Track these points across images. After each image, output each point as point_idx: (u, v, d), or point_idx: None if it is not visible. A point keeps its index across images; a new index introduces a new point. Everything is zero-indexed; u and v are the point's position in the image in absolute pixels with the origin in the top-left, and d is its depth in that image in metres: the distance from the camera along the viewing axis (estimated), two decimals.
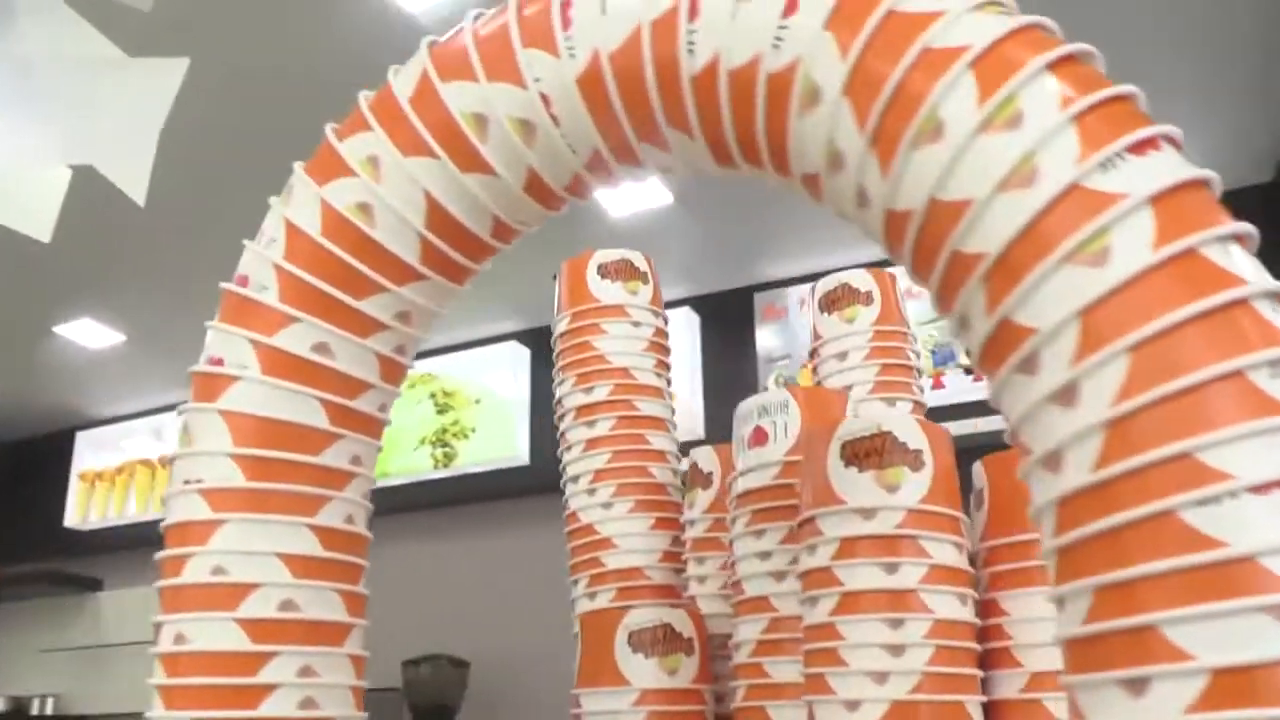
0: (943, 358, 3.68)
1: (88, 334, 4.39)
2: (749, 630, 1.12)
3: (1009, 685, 1.02)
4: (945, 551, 0.99)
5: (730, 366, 4.07)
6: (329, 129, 0.83)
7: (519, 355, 4.41)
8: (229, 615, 0.78)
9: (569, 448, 1.39)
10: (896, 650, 0.96)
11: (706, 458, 1.35)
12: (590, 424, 1.36)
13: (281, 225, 0.81)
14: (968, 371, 3.63)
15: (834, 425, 1.03)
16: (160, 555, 0.81)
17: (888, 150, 0.64)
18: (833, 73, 0.65)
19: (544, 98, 0.76)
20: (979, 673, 0.99)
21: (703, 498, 1.33)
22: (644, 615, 1.16)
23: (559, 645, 4.46)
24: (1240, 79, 2.98)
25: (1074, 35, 0.63)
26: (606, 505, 1.33)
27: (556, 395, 1.41)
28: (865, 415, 1.22)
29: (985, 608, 1.05)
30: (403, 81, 0.80)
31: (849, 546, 0.99)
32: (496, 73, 0.76)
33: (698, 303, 4.19)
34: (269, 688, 0.77)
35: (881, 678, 0.95)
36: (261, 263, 0.82)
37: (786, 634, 1.10)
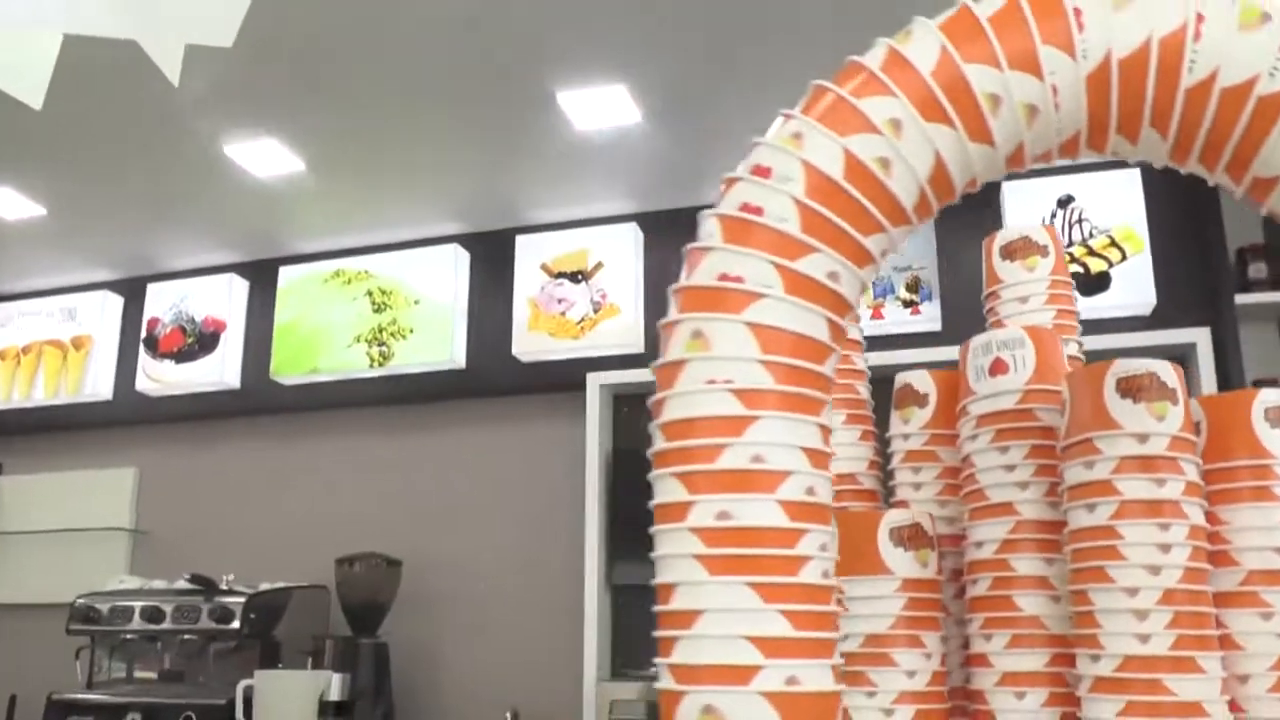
0: (881, 290, 3.96)
1: (7, 204, 4.16)
2: (992, 531, 1.34)
3: (1229, 580, 1.27)
4: (1192, 470, 1.23)
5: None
6: (831, 85, 0.96)
7: (460, 258, 4.45)
8: (770, 496, 0.92)
9: None
10: (1165, 548, 1.19)
11: (922, 380, 1.55)
12: None
13: (799, 166, 0.94)
14: (906, 305, 3.93)
15: (1106, 364, 1.24)
16: (691, 443, 0.94)
17: None
18: None
19: (1054, 89, 0.92)
20: (1212, 569, 1.23)
21: (919, 415, 1.53)
22: (901, 515, 1.35)
23: (489, 546, 4.69)
24: None
25: None
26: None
27: None
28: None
29: (1207, 518, 1.29)
30: (917, 53, 0.94)
31: (1127, 464, 1.21)
32: (1018, 63, 0.91)
33: (645, 219, 4.33)
34: (804, 559, 0.92)
35: (1155, 570, 1.18)
36: (777, 196, 0.95)
37: (1026, 534, 1.32)
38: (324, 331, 4.50)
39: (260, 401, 4.63)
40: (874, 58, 0.96)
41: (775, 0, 3.09)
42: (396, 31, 3.18)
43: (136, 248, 4.72)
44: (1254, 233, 3.76)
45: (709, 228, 1.00)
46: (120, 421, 4.83)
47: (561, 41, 3.27)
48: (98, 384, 4.78)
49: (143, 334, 4.76)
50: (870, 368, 3.86)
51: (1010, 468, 1.34)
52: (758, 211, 0.96)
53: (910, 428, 1.54)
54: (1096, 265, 3.78)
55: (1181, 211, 3.79)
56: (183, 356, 4.67)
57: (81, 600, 4.09)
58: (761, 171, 0.97)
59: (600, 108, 3.63)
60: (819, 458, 0.96)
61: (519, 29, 3.19)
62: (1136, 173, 3.82)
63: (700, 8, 3.09)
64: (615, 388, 4.22)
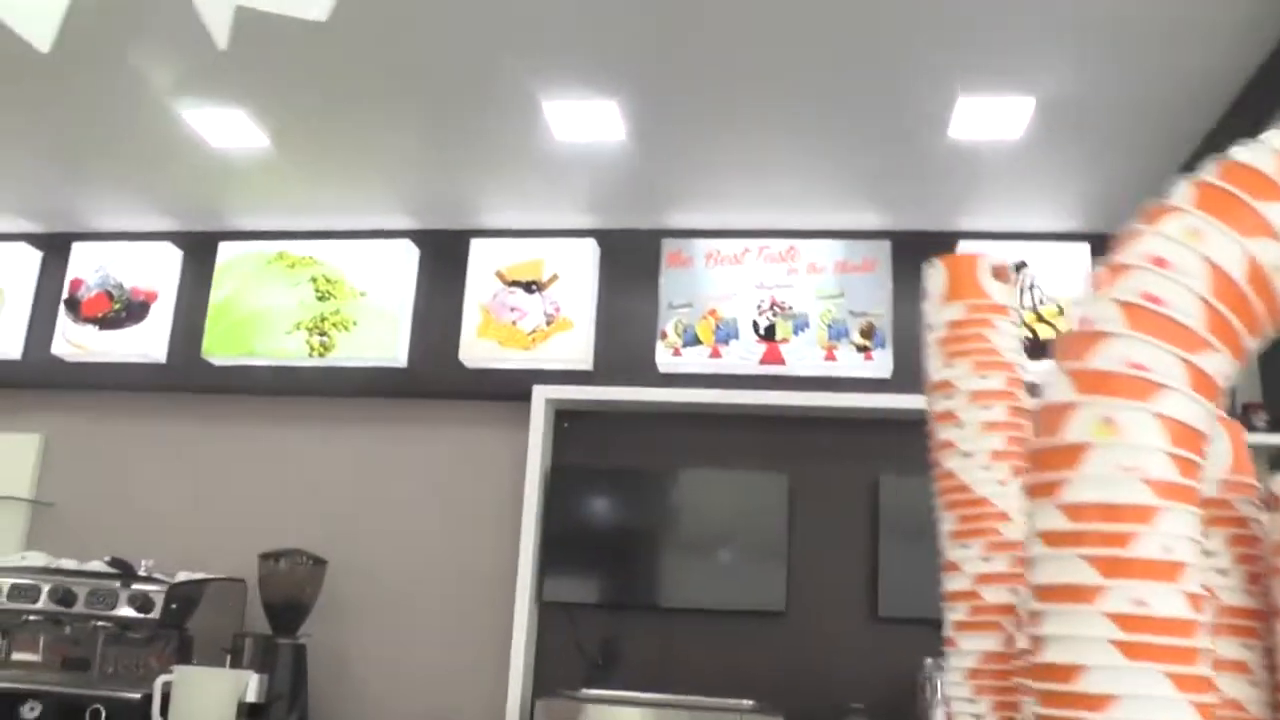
0: (837, 333, 4.03)
1: None
2: None
3: None
4: None
5: (630, 305, 4.23)
6: (1225, 184, 1.00)
7: (409, 254, 4.36)
8: (1177, 587, 0.96)
9: (960, 425, 1.54)
10: None
11: None
12: (986, 408, 1.53)
13: (1200, 263, 0.98)
14: (859, 349, 4.01)
15: None
16: (1105, 527, 0.98)
17: None
18: None
19: None
20: None
21: None
22: None
23: (419, 552, 4.63)
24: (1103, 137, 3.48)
25: None
26: (1002, 483, 1.50)
27: (943, 376, 1.55)
28: None
29: None
30: None
31: None
32: None
33: (604, 236, 4.30)
34: (1202, 651, 0.97)
35: None
36: (1179, 290, 0.98)
37: (1226, 619, 1.35)
38: (263, 314, 4.35)
39: (187, 379, 4.45)
40: (1263, 160, 1.00)
41: (772, 49, 3.11)
42: (388, 16, 3.04)
43: (62, 201, 4.45)
44: None
45: (1107, 311, 1.02)
46: (28, 384, 4.59)
47: (558, 50, 3.21)
48: (6, 342, 4.52)
49: (64, 294, 4.52)
50: (821, 407, 3.94)
51: (1210, 554, 1.39)
52: (1159, 302, 0.99)
53: None
54: (1044, 331, 3.91)
55: None
56: (107, 323, 4.46)
57: None
58: (1160, 262, 1.00)
59: (587, 120, 3.59)
60: (1199, 551, 1.02)
61: (516, 32, 3.10)
62: (1085, 246, 3.98)
63: (702, 38, 3.07)
64: (559, 403, 4.20)
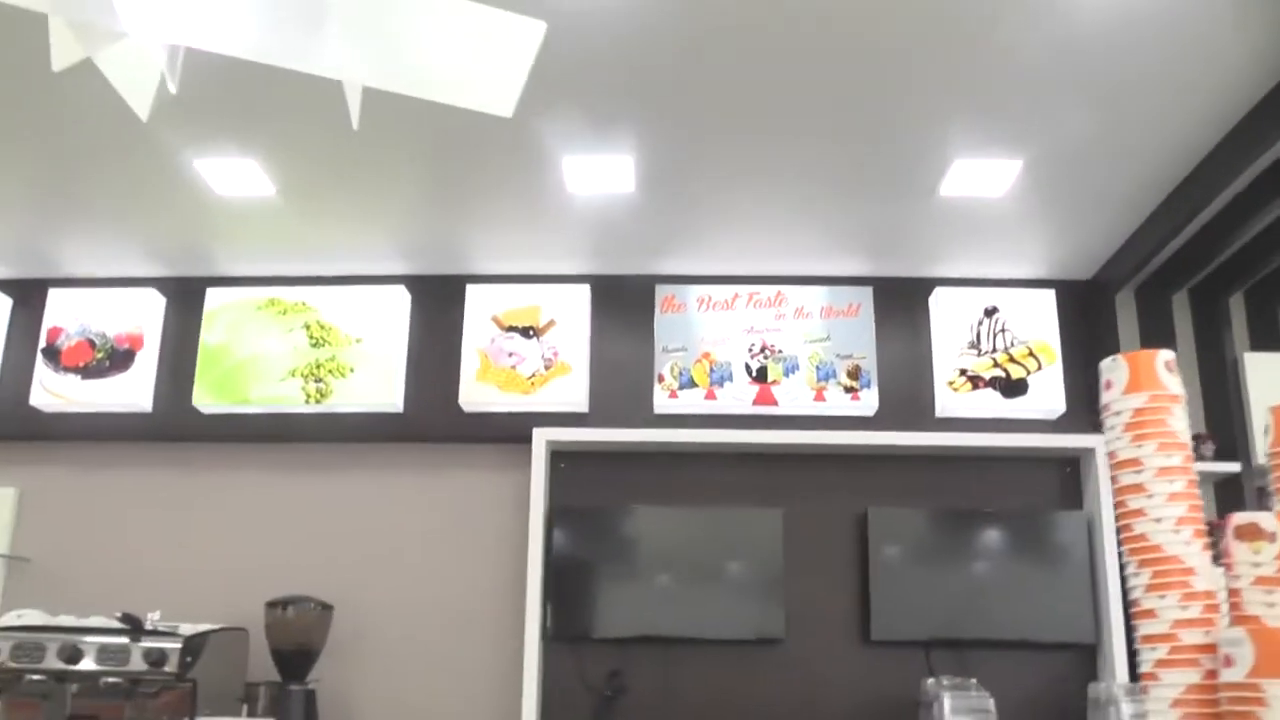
0: (825, 374, 4.28)
1: None
2: None
3: None
4: None
5: (624, 349, 4.39)
6: None
7: (402, 300, 4.42)
8: None
9: (1149, 495, 1.80)
10: None
11: (1268, 521, 1.83)
12: (1170, 481, 1.80)
13: None
14: (847, 390, 4.26)
15: None
16: None
17: None
18: None
19: None
20: None
21: (1269, 549, 1.81)
22: None
23: (424, 595, 4.74)
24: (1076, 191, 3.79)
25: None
26: (1187, 544, 1.79)
27: (1132, 454, 1.82)
28: None
29: None
30: None
31: None
32: None
33: (597, 281, 4.45)
34: None
35: None
36: None
37: None
38: (256, 361, 4.35)
39: (175, 428, 4.40)
40: None
41: (777, 111, 3.32)
42: None
43: (38, 245, 4.35)
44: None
45: None
46: (1, 437, 4.47)
47: (580, 109, 3.34)
48: None
49: (41, 343, 4.42)
50: (812, 445, 4.17)
51: None
52: None
53: (1261, 558, 1.81)
54: (1016, 372, 4.24)
55: (1088, 332, 4.32)
56: (91, 372, 4.38)
57: None
58: None
59: (602, 174, 3.73)
60: None
61: (540, 88, 3.19)
62: (1052, 292, 4.33)
63: (713, 94, 3.25)
64: (558, 444, 4.32)
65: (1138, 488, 1.81)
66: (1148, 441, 1.82)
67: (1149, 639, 1.75)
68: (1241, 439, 4.13)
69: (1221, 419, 4.20)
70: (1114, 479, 1.85)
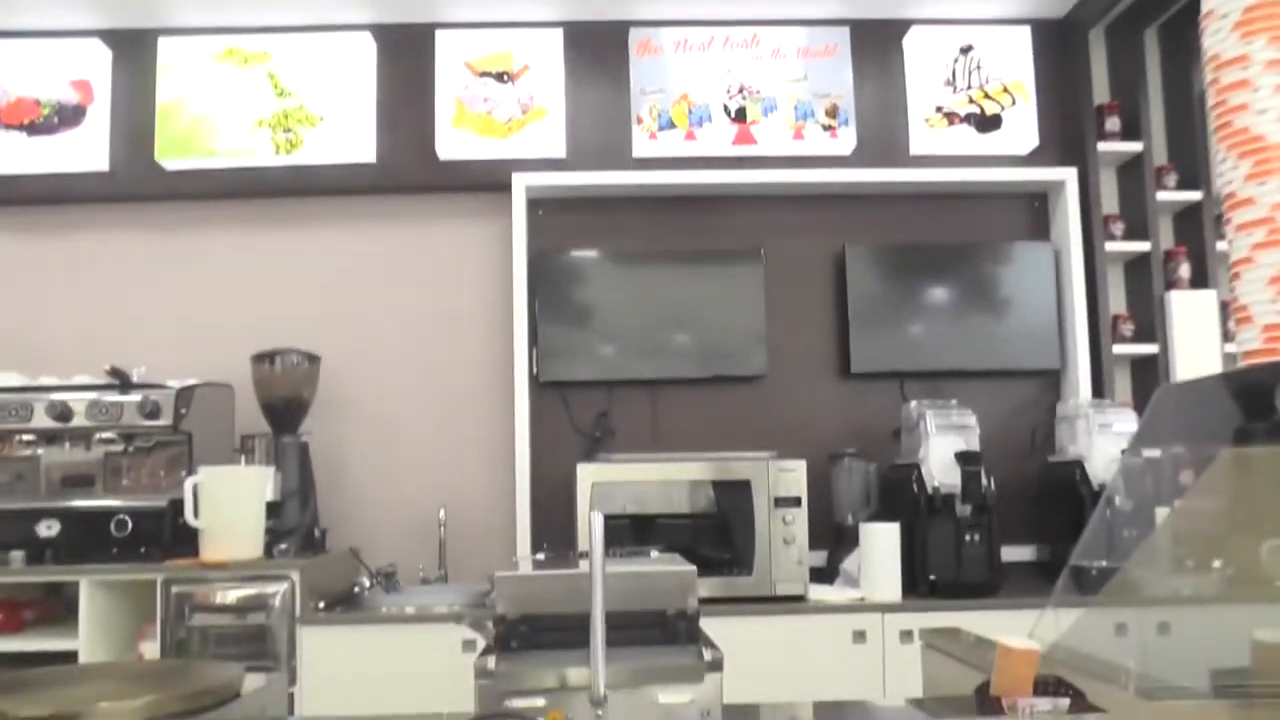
0: (803, 113, 4.27)
1: None
2: None
3: None
4: None
5: (600, 95, 4.31)
6: None
7: (368, 48, 4.25)
8: None
9: (1255, 90, 1.79)
10: None
11: None
12: (1277, 74, 1.78)
13: None
14: (825, 129, 4.27)
15: None
16: None
17: None
18: None
19: None
20: None
21: None
22: None
23: (408, 344, 4.76)
24: None
25: None
26: None
27: (1239, 51, 1.79)
28: None
29: None
30: None
31: None
32: None
33: (569, 28, 4.33)
34: None
35: None
36: None
37: None
38: (219, 114, 4.16)
39: (137, 187, 4.23)
40: None
41: None
42: None
43: None
44: (1104, 93, 4.41)
45: None
46: None
47: None
48: None
49: None
50: (790, 184, 4.22)
51: None
52: None
53: None
54: (990, 108, 4.29)
55: (1061, 70, 4.37)
56: (38, 130, 4.16)
57: None
58: None
59: None
60: None
61: None
62: (1027, 29, 4.34)
63: None
64: (537, 190, 4.28)
65: (1242, 84, 1.85)
66: (1257, 37, 1.84)
67: (1244, 226, 1.81)
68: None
69: (1141, 300, 4.30)
70: (1214, 82, 1.88)
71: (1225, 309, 4.17)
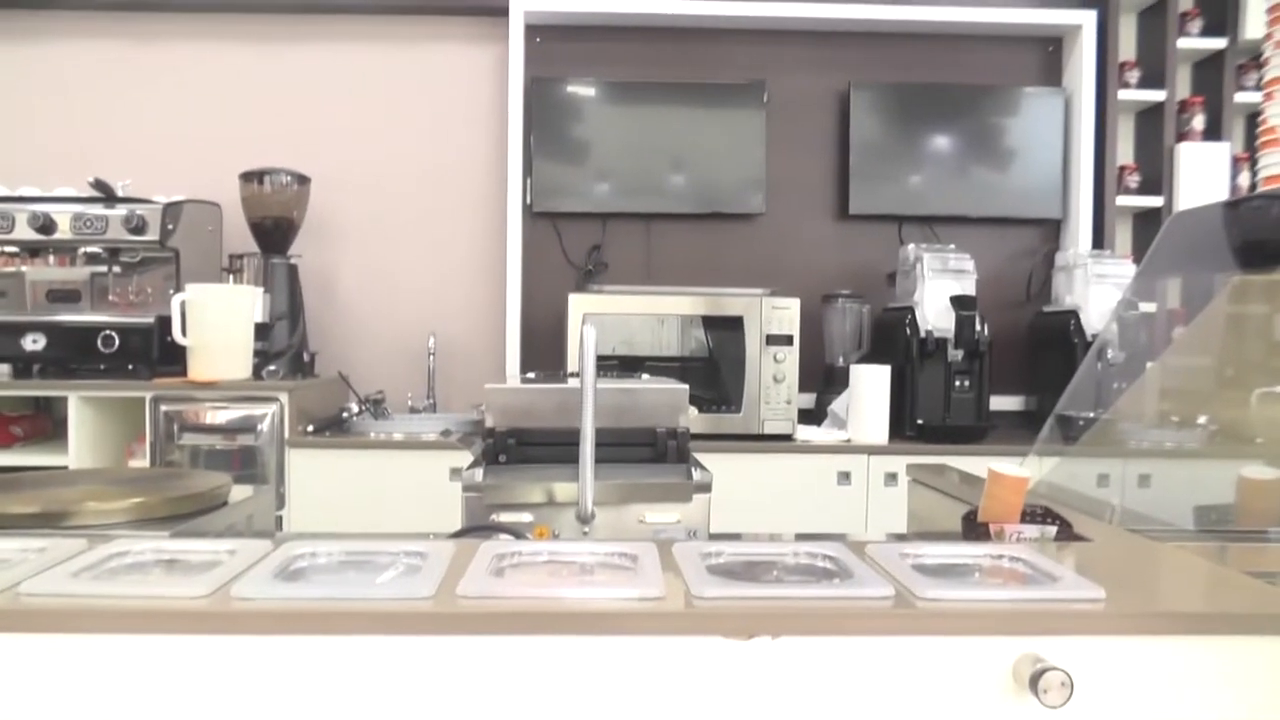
0: None
1: None
2: None
3: None
4: None
5: None
6: None
7: None
8: None
9: None
10: None
11: None
12: None
13: None
14: None
15: None
16: None
17: None
18: None
19: None
20: None
21: None
22: None
23: (400, 168, 4.67)
24: None
25: None
26: None
27: None
28: None
29: None
30: None
31: None
32: None
33: None
34: None
35: None
36: None
37: None
38: None
39: None
40: None
41: None
42: None
43: None
44: None
45: None
46: None
47: None
48: None
49: None
50: (796, 19, 4.05)
51: None
52: None
53: None
54: None
55: None
56: None
57: None
58: None
59: None
60: None
61: None
62: None
63: None
64: (535, 15, 4.12)
65: None
66: None
67: None
68: None
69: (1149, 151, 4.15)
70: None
71: (1235, 164, 4.09)
